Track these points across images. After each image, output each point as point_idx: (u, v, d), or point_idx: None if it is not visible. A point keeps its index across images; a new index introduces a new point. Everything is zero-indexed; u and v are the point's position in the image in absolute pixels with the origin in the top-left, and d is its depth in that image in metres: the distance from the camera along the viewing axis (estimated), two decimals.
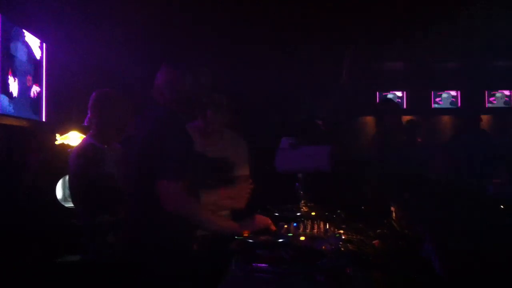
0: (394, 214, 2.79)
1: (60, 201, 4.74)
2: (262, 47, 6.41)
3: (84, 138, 3.24)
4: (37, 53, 4.98)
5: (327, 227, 2.51)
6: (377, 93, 8.41)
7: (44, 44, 5.11)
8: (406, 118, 8.07)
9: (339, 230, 2.54)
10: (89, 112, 3.13)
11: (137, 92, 3.17)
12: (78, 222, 3.12)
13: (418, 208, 2.36)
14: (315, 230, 2.43)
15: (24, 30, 4.65)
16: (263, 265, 1.99)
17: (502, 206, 2.36)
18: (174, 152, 2.20)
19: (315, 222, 2.56)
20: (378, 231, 2.61)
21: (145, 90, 2.50)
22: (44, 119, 5.09)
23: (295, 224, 2.51)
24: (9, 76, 4.32)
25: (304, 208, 3.07)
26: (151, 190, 2.17)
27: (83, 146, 3.07)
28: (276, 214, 2.89)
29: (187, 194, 2.19)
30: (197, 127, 3.00)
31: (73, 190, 3.07)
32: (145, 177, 2.25)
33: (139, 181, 2.32)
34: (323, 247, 2.01)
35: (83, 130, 4.95)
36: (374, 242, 2.40)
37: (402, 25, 5.99)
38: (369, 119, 8.00)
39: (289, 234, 2.33)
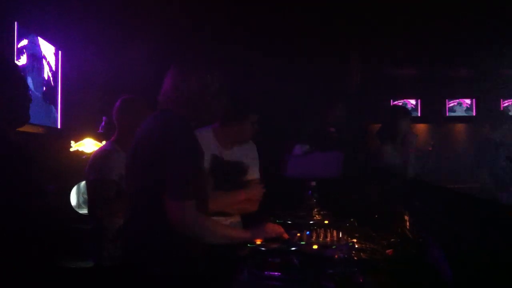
0: (407, 223, 2.78)
1: (74, 208, 4.78)
2: (273, 55, 6.42)
3: (106, 143, 3.28)
4: (53, 61, 5.04)
5: (340, 235, 2.50)
6: (391, 100, 8.40)
7: (59, 52, 5.17)
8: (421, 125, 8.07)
9: (352, 238, 2.54)
10: (113, 117, 3.18)
11: (154, 99, 3.20)
12: (92, 227, 3.14)
13: (428, 216, 2.35)
14: (328, 239, 2.43)
15: (39, 38, 4.71)
16: (275, 273, 1.99)
17: None
18: (185, 170, 2.11)
19: (328, 230, 2.56)
20: (391, 239, 2.59)
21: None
22: (59, 126, 5.14)
23: (307, 232, 2.51)
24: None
25: (317, 216, 3.06)
26: (157, 198, 2.14)
27: (102, 152, 3.12)
28: (289, 222, 2.89)
29: (197, 212, 2.12)
30: (215, 131, 3.02)
31: (89, 195, 3.10)
32: (150, 185, 2.20)
33: (144, 188, 2.28)
34: (336, 255, 2.00)
35: (97, 137, 5.00)
36: (387, 251, 2.39)
37: (415, 31, 5.97)
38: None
39: (301, 242, 2.33)
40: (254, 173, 3.12)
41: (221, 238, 2.25)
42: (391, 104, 8.34)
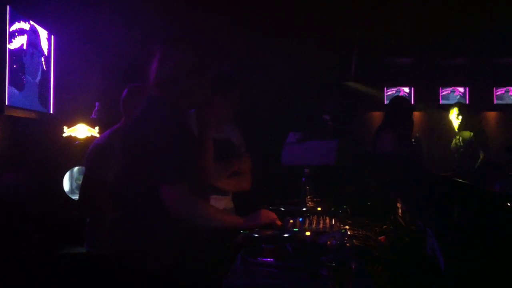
0: (399, 210, 2.79)
1: (67, 194, 4.77)
2: (269, 42, 6.40)
3: (107, 132, 3.22)
4: (46, 45, 5.00)
5: (333, 222, 2.51)
6: (385, 88, 8.39)
7: (52, 36, 5.12)
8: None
9: (345, 225, 2.55)
10: (120, 106, 3.12)
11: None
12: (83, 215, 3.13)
13: (421, 204, 2.36)
14: (321, 225, 2.44)
15: (32, 22, 4.66)
16: (268, 259, 2.00)
17: (509, 204, 2.35)
18: (173, 154, 2.11)
19: (321, 217, 2.57)
20: (384, 226, 2.61)
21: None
22: (52, 112, 5.11)
23: (301, 219, 2.51)
24: (18, 68, 4.34)
25: (310, 203, 3.07)
26: (145, 188, 2.13)
27: (97, 147, 3.06)
28: (282, 209, 2.90)
29: (191, 194, 2.14)
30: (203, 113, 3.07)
31: (80, 190, 3.07)
32: (138, 175, 2.20)
33: (140, 177, 2.28)
34: (328, 242, 2.01)
35: (90, 122, 4.98)
36: (380, 238, 2.40)
37: (410, 20, 5.96)
38: (376, 115, 7.98)
39: (294, 229, 2.33)
40: (241, 147, 3.23)
41: (214, 221, 2.27)
42: (385, 92, 8.35)
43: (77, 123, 4.91)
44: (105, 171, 2.89)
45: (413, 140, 4.45)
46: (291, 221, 2.48)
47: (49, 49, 5.08)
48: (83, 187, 3.00)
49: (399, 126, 4.11)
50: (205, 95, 2.42)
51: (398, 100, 4.86)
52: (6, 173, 4.12)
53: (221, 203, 3.06)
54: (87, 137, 4.80)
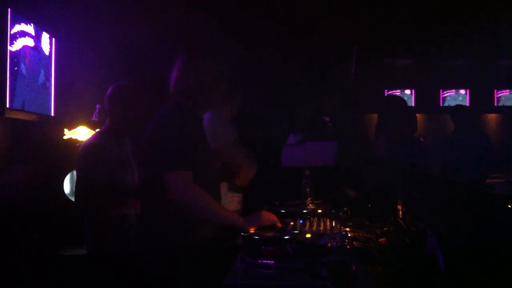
0: (400, 212, 2.79)
1: (68, 196, 4.77)
2: (269, 42, 6.40)
3: (95, 133, 3.19)
4: (46, 48, 5.00)
5: (333, 224, 2.51)
6: (385, 90, 8.39)
7: (53, 39, 5.13)
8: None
9: (345, 227, 2.55)
10: (105, 104, 3.08)
11: (149, 87, 3.18)
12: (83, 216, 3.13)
13: (422, 205, 2.36)
14: (321, 227, 2.43)
15: (33, 25, 4.67)
16: (268, 261, 2.00)
17: (510, 206, 2.35)
18: (180, 143, 2.19)
19: (321, 219, 2.56)
20: (384, 228, 2.61)
21: (157, 86, 2.50)
22: (53, 114, 5.11)
23: (301, 221, 2.51)
24: (18, 71, 4.35)
25: (310, 205, 3.07)
26: (157, 185, 2.17)
27: (89, 147, 3.00)
28: (283, 210, 2.90)
29: (195, 185, 2.19)
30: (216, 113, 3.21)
31: (75, 191, 3.04)
32: (151, 171, 2.25)
33: (147, 176, 2.33)
34: (329, 244, 2.01)
35: (91, 125, 4.98)
36: (380, 240, 2.40)
37: (411, 22, 5.96)
38: (376, 116, 7.99)
39: (295, 231, 2.33)
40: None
41: (213, 215, 2.28)
42: (386, 94, 8.35)
43: (78, 126, 4.92)
44: (98, 171, 2.88)
45: (422, 139, 4.44)
46: (291, 223, 2.48)
47: (50, 51, 5.08)
48: (78, 189, 2.96)
49: (392, 126, 4.08)
50: (223, 101, 2.55)
51: (390, 99, 4.83)
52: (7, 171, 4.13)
53: (232, 199, 3.18)
54: (83, 142, 4.80)
